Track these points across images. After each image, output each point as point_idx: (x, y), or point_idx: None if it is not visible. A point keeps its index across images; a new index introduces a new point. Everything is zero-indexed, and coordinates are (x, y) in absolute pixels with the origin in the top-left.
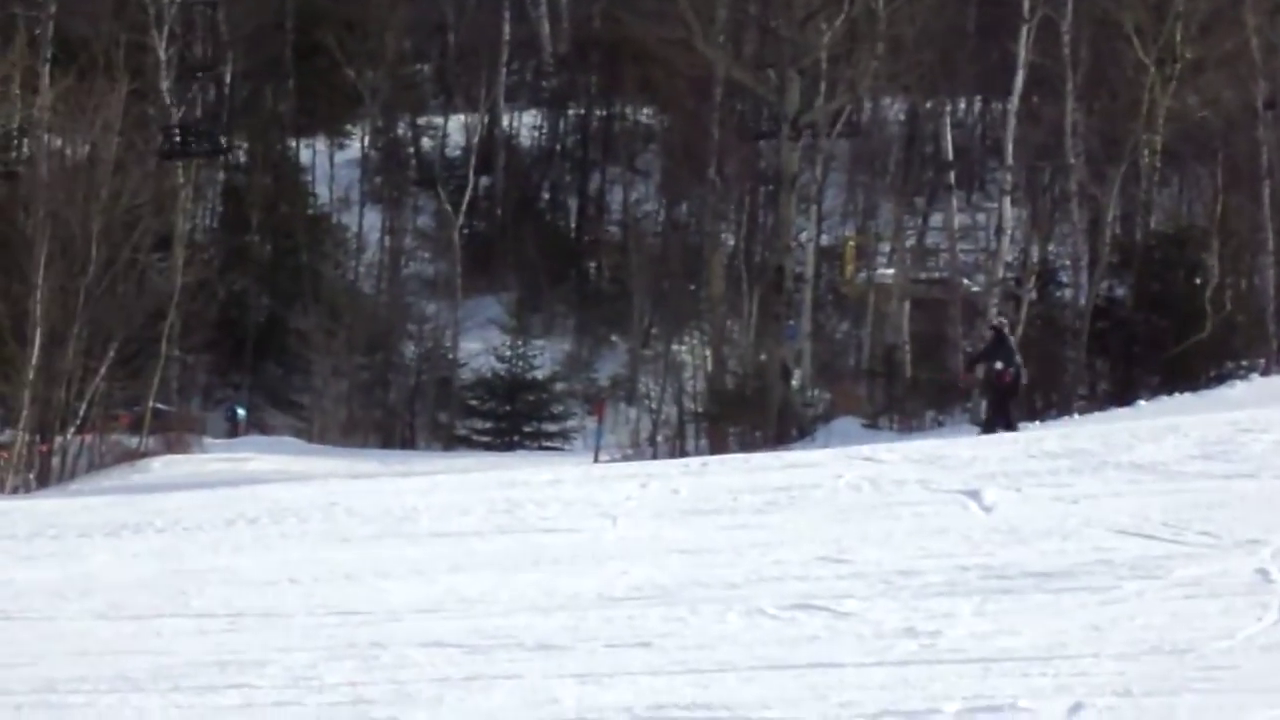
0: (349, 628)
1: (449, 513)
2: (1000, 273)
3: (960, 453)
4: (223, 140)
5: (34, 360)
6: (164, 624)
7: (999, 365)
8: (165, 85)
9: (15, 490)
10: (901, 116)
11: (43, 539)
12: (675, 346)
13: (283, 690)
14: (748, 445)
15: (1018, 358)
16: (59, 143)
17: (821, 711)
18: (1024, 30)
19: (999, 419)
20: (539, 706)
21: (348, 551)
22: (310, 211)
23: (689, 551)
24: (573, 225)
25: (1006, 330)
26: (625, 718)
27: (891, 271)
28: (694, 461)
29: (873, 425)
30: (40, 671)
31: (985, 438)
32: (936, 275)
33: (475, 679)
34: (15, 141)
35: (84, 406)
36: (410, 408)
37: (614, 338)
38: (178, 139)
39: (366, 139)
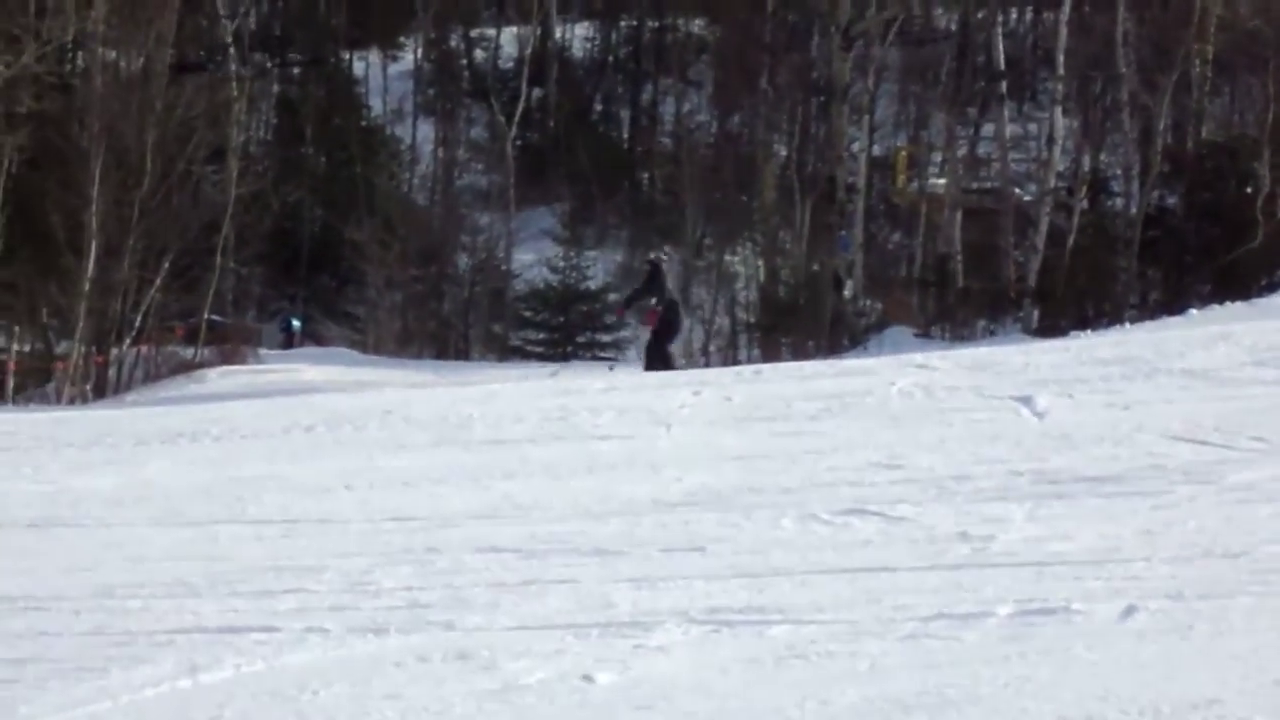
0: (405, 533)
1: (504, 420)
2: (1052, 182)
3: (1012, 360)
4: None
5: (89, 273)
6: (220, 530)
7: (652, 302)
8: None
9: (72, 401)
10: (953, 26)
11: (100, 447)
12: (728, 257)
13: (339, 595)
14: (800, 355)
15: (671, 295)
16: (113, 55)
17: (875, 615)
18: None
19: (655, 357)
20: (594, 610)
21: (404, 459)
22: (364, 123)
23: (743, 458)
24: (625, 136)
25: (663, 266)
26: (680, 621)
27: (943, 181)
28: (747, 369)
29: (924, 335)
30: (98, 577)
31: (1035, 346)
32: (988, 185)
33: (530, 584)
34: (69, 54)
35: (139, 318)
36: (464, 319)
37: (667, 248)
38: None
39: (419, 51)
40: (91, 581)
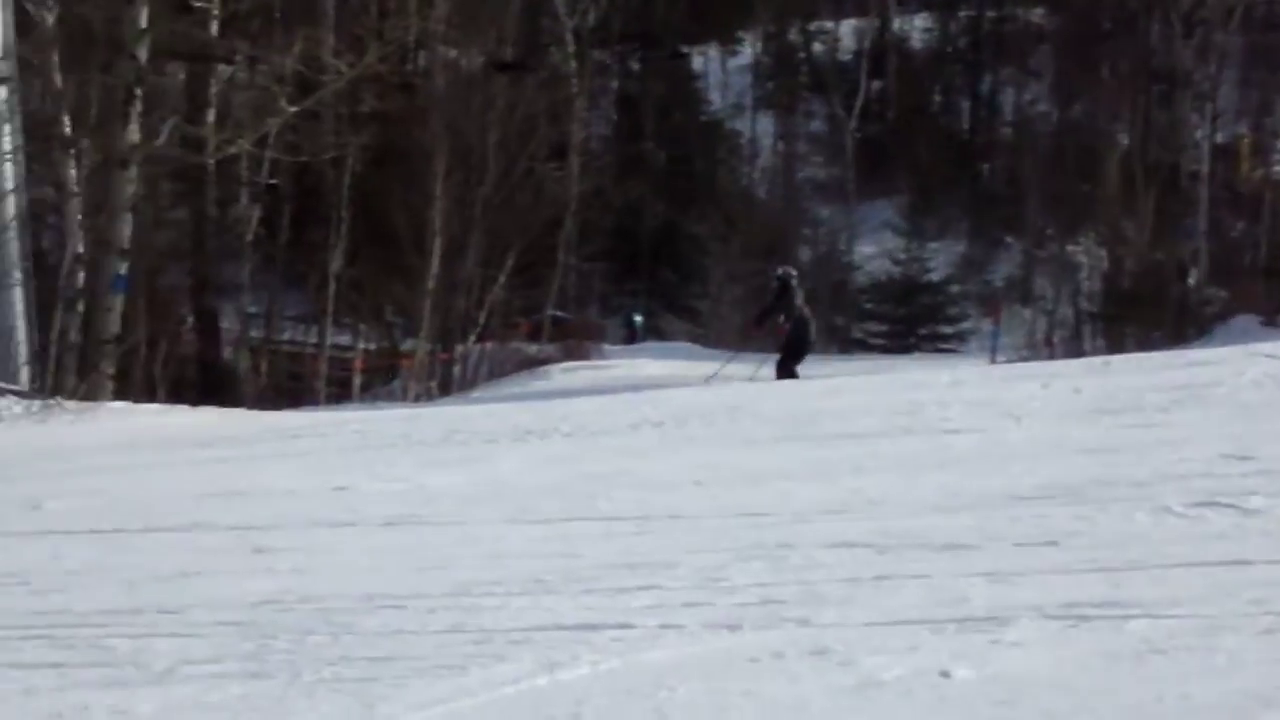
0: (756, 529)
1: (852, 415)
2: None
3: None
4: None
5: (434, 270)
6: (573, 527)
7: (780, 319)
8: None
9: (418, 398)
10: None
11: (451, 444)
12: (1069, 247)
13: (692, 591)
14: (1144, 345)
15: (800, 310)
16: (454, 54)
17: (1232, 609)
18: None
19: (783, 374)
20: (949, 605)
21: (752, 454)
22: (703, 118)
23: (1093, 450)
24: (965, 127)
25: (793, 280)
26: (1035, 616)
27: None
28: (1095, 361)
29: (1271, 323)
30: (454, 575)
31: None
32: None
33: (885, 579)
34: (412, 54)
35: (483, 315)
36: None
37: (1008, 239)
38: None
39: (758, 45)
40: (447, 579)
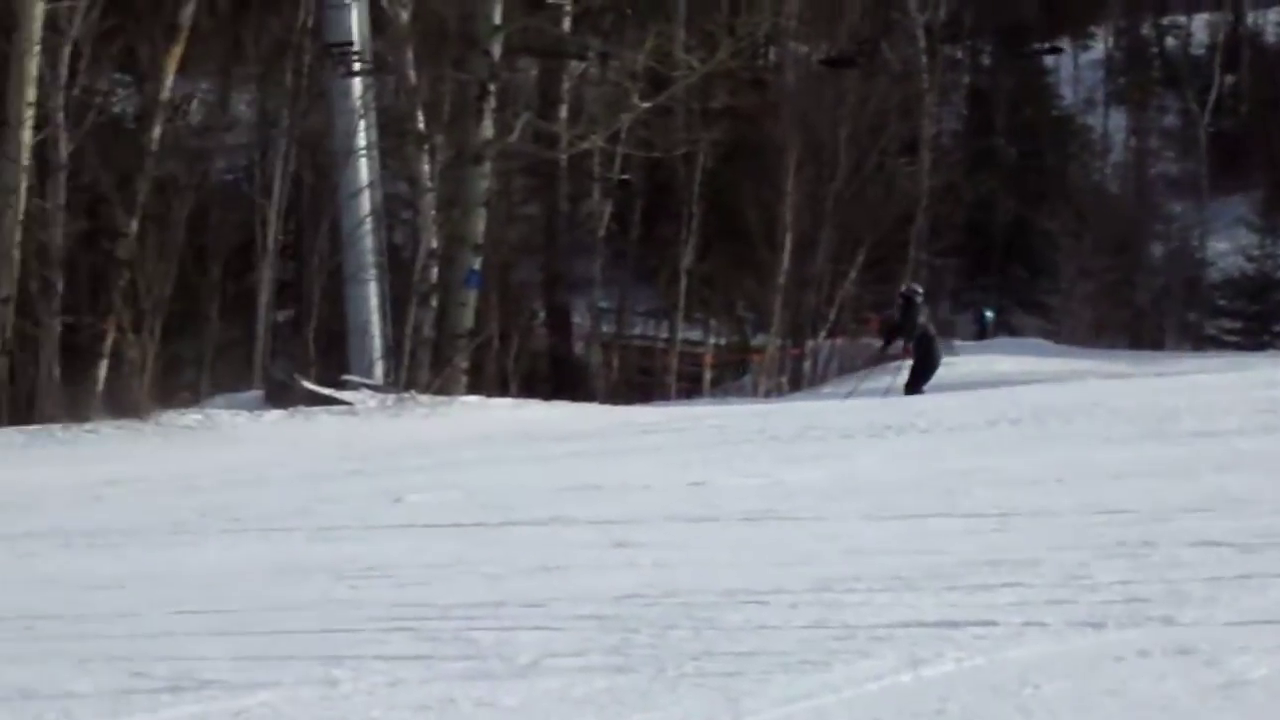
0: (1118, 527)
1: (1211, 413)
2: None
3: None
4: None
5: (785, 265)
6: (932, 524)
7: (901, 341)
8: None
9: (768, 393)
10: None
11: (807, 440)
12: None
13: (1055, 589)
14: None
15: (923, 328)
16: (805, 50)
17: None
18: None
19: (912, 389)
20: None
21: (1112, 451)
22: (1055, 113)
23: None
24: None
25: (917, 298)
26: None
27: None
28: None
29: None
30: (814, 570)
31: None
32: None
33: (1249, 578)
34: (763, 49)
35: (834, 310)
36: (1158, 308)
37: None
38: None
39: (1110, 40)
40: (809, 575)
